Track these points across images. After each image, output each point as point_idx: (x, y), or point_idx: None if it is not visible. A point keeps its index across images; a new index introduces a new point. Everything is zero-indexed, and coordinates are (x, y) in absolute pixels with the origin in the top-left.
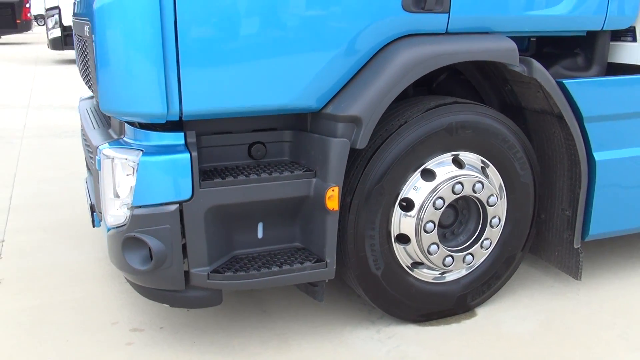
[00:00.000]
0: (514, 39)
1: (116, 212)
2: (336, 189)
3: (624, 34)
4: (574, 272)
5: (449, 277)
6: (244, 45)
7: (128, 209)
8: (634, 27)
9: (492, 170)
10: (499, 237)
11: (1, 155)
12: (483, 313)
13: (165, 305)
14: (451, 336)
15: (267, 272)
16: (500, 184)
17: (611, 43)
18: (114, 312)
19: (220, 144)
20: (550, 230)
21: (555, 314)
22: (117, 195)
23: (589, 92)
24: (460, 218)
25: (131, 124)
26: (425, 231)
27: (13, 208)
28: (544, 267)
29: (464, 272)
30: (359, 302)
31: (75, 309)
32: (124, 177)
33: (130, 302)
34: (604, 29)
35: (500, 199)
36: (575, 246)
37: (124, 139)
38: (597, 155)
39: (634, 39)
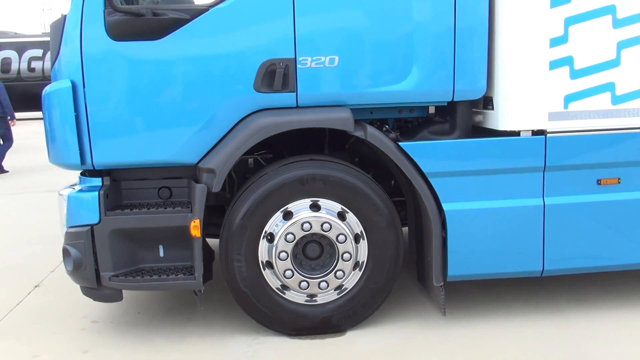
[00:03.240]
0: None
1: (63, 231)
2: (197, 220)
3: (489, 103)
4: (441, 308)
5: (319, 300)
6: (136, 121)
7: (66, 228)
8: (492, 98)
9: (351, 215)
10: (363, 272)
11: None
12: (350, 333)
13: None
14: (306, 347)
15: (148, 278)
16: (361, 228)
17: (482, 110)
18: (90, 309)
19: (138, 187)
20: (431, 270)
21: (410, 341)
22: (64, 220)
23: (425, 152)
24: (325, 253)
25: (81, 172)
26: (280, 259)
27: None
28: None
29: (333, 298)
30: None
31: (72, 306)
32: (64, 207)
33: (106, 304)
34: (454, 100)
35: (363, 239)
36: (435, 284)
37: (77, 182)
38: (446, 206)
39: (493, 108)
